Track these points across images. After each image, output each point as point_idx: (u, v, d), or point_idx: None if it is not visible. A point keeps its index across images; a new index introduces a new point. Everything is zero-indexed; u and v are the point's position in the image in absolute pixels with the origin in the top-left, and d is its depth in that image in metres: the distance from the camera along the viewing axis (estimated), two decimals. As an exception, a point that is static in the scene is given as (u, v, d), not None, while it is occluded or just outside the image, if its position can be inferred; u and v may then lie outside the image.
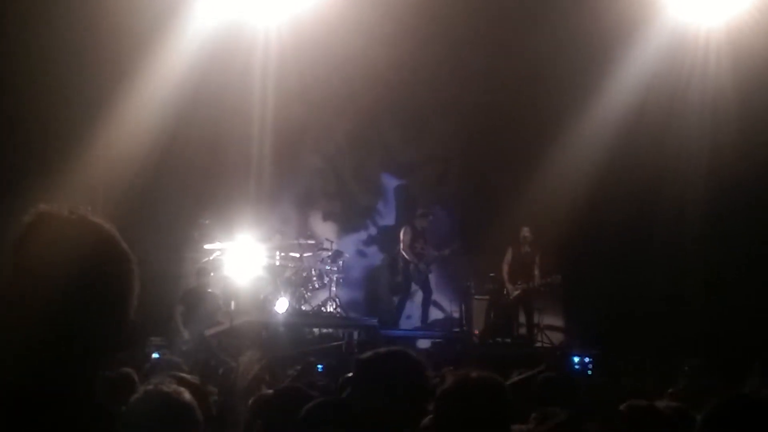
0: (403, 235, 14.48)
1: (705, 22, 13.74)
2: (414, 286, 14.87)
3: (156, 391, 2.90)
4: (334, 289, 14.26)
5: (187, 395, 2.89)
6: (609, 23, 13.19)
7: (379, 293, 15.96)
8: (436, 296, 15.62)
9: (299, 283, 13.90)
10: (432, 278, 14.86)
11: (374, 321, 14.33)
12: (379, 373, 3.33)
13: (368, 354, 3.44)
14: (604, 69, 14.11)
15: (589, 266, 14.17)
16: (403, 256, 14.47)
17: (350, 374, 5.83)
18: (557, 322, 14.80)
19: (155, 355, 9.77)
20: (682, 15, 13.71)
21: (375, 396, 3.28)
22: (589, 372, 12.80)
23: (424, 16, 14.13)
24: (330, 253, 14.41)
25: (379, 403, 3.26)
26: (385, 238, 16.29)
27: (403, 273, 14.62)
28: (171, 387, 2.95)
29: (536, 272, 13.72)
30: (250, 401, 4.57)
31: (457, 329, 14.59)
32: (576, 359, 12.98)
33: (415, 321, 15.29)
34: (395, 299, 15.41)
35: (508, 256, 13.93)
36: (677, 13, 13.69)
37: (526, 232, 13.77)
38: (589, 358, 12.95)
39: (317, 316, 13.88)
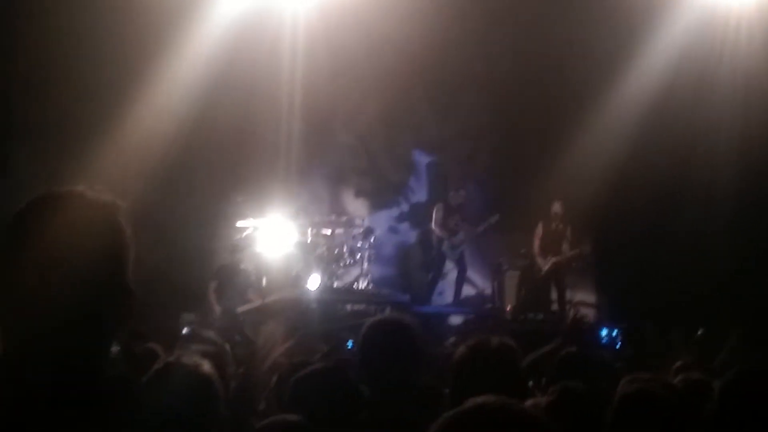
0: (436, 212, 14.48)
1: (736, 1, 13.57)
2: (447, 264, 14.88)
3: (176, 363, 2.93)
4: (365, 265, 14.31)
5: (206, 367, 2.91)
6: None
7: (411, 270, 15.97)
8: (468, 273, 15.61)
9: (331, 260, 13.95)
10: (466, 255, 14.85)
11: (406, 297, 14.36)
12: (376, 337, 3.59)
13: (369, 321, 3.70)
14: (635, 44, 13.97)
15: (620, 241, 14.08)
16: (436, 232, 14.47)
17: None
18: (589, 298, 14.74)
19: (185, 330, 9.87)
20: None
21: (372, 357, 3.55)
22: (618, 345, 12.77)
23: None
24: (361, 230, 14.45)
25: (376, 363, 3.51)
26: (417, 215, 16.27)
27: (437, 250, 14.63)
28: (191, 359, 2.97)
29: (566, 246, 13.68)
30: (274, 377, 4.59)
31: (489, 305, 14.59)
32: (604, 332, 12.95)
33: (447, 298, 15.29)
34: (428, 276, 15.43)
35: (539, 230, 13.90)
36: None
37: (557, 207, 13.72)
38: (618, 330, 12.92)
39: (349, 293, 13.94)
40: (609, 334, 12.91)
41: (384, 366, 3.49)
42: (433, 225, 14.48)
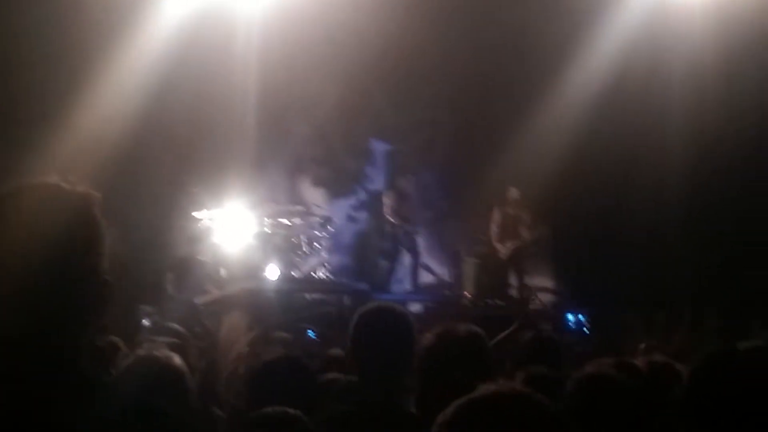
0: (388, 200, 14.54)
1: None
2: (402, 250, 14.91)
3: (146, 357, 2.90)
4: (324, 254, 14.29)
5: (177, 360, 2.89)
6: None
7: (369, 258, 15.96)
8: (426, 260, 15.66)
9: (289, 250, 13.91)
10: (421, 241, 14.87)
11: (365, 286, 14.35)
12: (372, 323, 3.45)
13: (362, 308, 3.56)
14: (587, 32, 14.10)
15: (577, 226, 14.20)
16: (389, 220, 14.51)
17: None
18: (548, 283, 14.85)
19: (145, 322, 9.75)
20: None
21: (368, 345, 3.41)
22: (586, 330, 12.92)
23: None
24: (319, 219, 14.40)
25: (371, 351, 3.38)
26: (375, 203, 16.27)
27: (391, 237, 14.66)
28: (162, 352, 2.94)
29: (524, 231, 13.78)
30: (240, 368, 4.55)
31: (448, 292, 14.64)
32: (570, 318, 13.09)
33: (407, 285, 15.34)
34: (386, 264, 15.44)
35: (496, 216, 13.98)
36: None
37: (513, 193, 13.83)
38: (584, 316, 13.06)
39: (308, 282, 13.91)
40: (576, 320, 13.04)
41: (383, 357, 3.37)
42: (386, 212, 14.53)
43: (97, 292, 1.85)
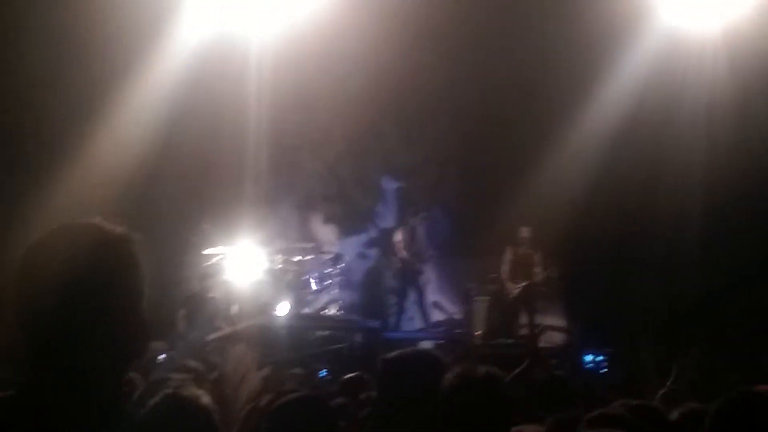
0: (396, 237, 14.56)
1: (702, 25, 13.78)
2: (413, 288, 14.91)
3: (174, 396, 2.89)
4: (335, 291, 14.26)
5: (205, 399, 2.89)
6: (605, 25, 13.23)
7: (380, 295, 15.94)
8: (437, 298, 15.63)
9: (300, 287, 13.88)
10: (430, 279, 14.86)
11: (376, 323, 14.32)
12: (404, 372, 3.42)
13: (395, 353, 3.53)
14: (601, 70, 14.14)
15: (589, 265, 14.16)
16: (402, 256, 14.52)
17: (350, 375, 5.84)
18: (559, 322, 14.78)
19: (161, 356, 9.73)
20: (678, 18, 13.75)
21: (399, 394, 3.35)
22: (603, 371, 12.84)
23: (419, 19, 14.17)
24: (331, 256, 14.41)
25: (402, 401, 3.33)
26: (386, 241, 16.28)
27: (401, 274, 14.69)
28: (189, 391, 2.94)
29: (537, 270, 13.75)
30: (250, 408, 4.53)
31: (459, 331, 14.58)
32: (588, 358, 13.01)
33: (418, 323, 15.31)
34: (395, 301, 15.44)
35: (508, 255, 13.95)
36: (674, 16, 13.72)
37: (525, 232, 13.80)
38: (603, 356, 12.98)
39: (319, 319, 13.87)
40: (594, 360, 12.97)
41: (414, 404, 3.33)
42: (395, 249, 14.51)
43: (137, 332, 1.87)
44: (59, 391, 1.77)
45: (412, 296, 15.19)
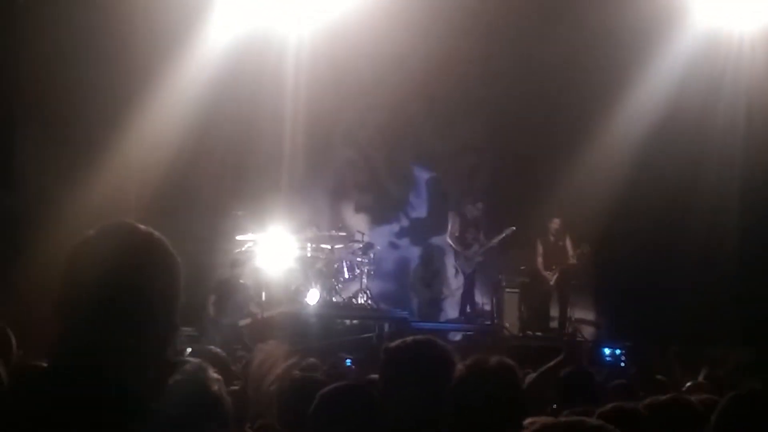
0: (451, 224, 14.43)
1: (740, 23, 13.63)
2: (450, 279, 14.86)
3: (184, 381, 2.90)
4: (365, 280, 14.28)
5: (215, 387, 2.88)
6: (642, 18, 13.11)
7: (411, 285, 15.95)
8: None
9: (330, 275, 13.92)
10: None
11: (405, 313, 14.35)
12: (407, 361, 3.33)
13: (396, 342, 3.43)
14: (638, 61, 13.99)
15: (621, 259, 14.06)
16: (449, 243, 14.43)
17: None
18: (589, 315, 14.71)
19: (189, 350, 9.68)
20: (716, 17, 13.62)
21: (402, 384, 3.28)
22: (622, 364, 12.77)
23: (454, 8, 14.10)
24: (361, 245, 14.42)
25: (406, 391, 3.25)
26: (417, 230, 16.27)
27: (456, 261, 14.53)
28: (200, 377, 2.94)
29: (570, 254, 13.69)
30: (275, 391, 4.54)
31: (488, 322, 14.56)
32: (607, 351, 12.95)
33: (447, 314, 15.30)
34: (427, 292, 15.44)
35: (539, 248, 13.88)
36: (711, 14, 13.61)
37: (556, 223, 13.75)
38: (621, 349, 12.91)
39: (348, 308, 13.91)
40: (612, 353, 12.91)
41: (416, 395, 3.25)
42: (447, 237, 14.39)
43: (166, 336, 1.91)
44: (81, 378, 1.81)
45: (444, 287, 15.18)
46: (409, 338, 3.44)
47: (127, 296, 1.84)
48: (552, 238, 13.84)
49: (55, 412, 1.77)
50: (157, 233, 1.94)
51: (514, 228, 14.05)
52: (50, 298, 1.89)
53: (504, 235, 14.13)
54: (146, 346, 1.86)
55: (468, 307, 14.70)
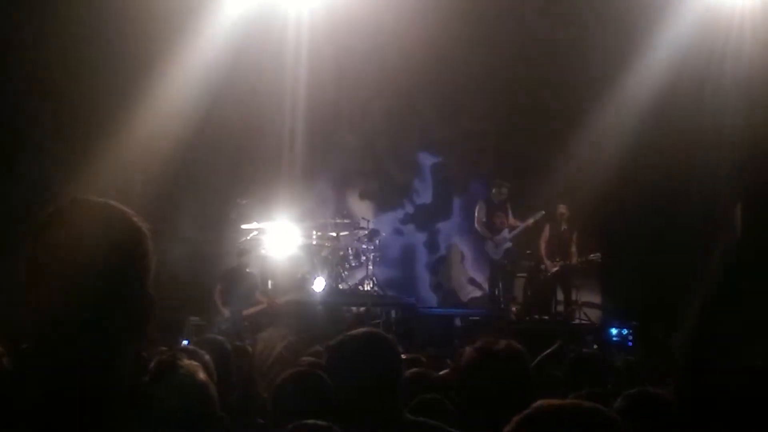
0: (478, 210, 14.33)
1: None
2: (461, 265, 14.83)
3: (164, 364, 2.89)
4: (371, 267, 14.30)
5: (201, 374, 2.88)
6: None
7: (416, 272, 15.97)
8: (472, 273, 15.62)
9: (336, 262, 13.94)
10: (469, 254, 14.77)
11: (412, 299, 14.37)
12: (348, 355, 3.29)
13: (337, 339, 3.40)
14: (637, 43, 13.94)
15: (626, 242, 14.04)
16: (478, 230, 14.34)
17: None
18: (595, 299, 14.72)
19: (185, 342, 9.57)
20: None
21: (345, 378, 3.25)
22: (630, 344, 12.81)
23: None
24: (367, 232, 14.43)
25: (349, 384, 3.22)
26: (422, 216, 16.28)
27: (485, 248, 14.40)
28: (183, 363, 2.93)
29: (573, 249, 13.66)
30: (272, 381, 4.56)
31: (494, 307, 14.58)
32: (614, 331, 12.99)
33: (452, 299, 15.33)
34: (433, 278, 15.46)
35: (546, 233, 13.87)
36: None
37: (562, 208, 13.70)
38: (627, 330, 12.94)
39: (354, 295, 13.93)
40: (619, 333, 12.95)
41: (360, 386, 3.20)
42: (475, 223, 14.34)
43: (141, 307, 1.90)
44: (60, 364, 1.80)
45: (451, 273, 15.18)
46: (348, 333, 3.39)
47: (94, 272, 1.83)
48: (560, 225, 13.76)
49: (42, 396, 1.78)
50: (124, 207, 1.94)
51: (543, 212, 13.86)
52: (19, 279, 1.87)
53: (533, 219, 13.94)
54: (122, 320, 1.86)
55: (497, 291, 14.45)
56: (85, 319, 1.82)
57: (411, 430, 3.22)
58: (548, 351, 6.08)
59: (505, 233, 14.13)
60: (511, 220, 14.19)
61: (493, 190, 14.28)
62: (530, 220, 13.98)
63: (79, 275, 1.82)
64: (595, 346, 11.71)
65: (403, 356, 5.37)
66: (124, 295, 1.87)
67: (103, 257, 1.84)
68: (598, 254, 13.54)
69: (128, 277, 1.88)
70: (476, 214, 14.34)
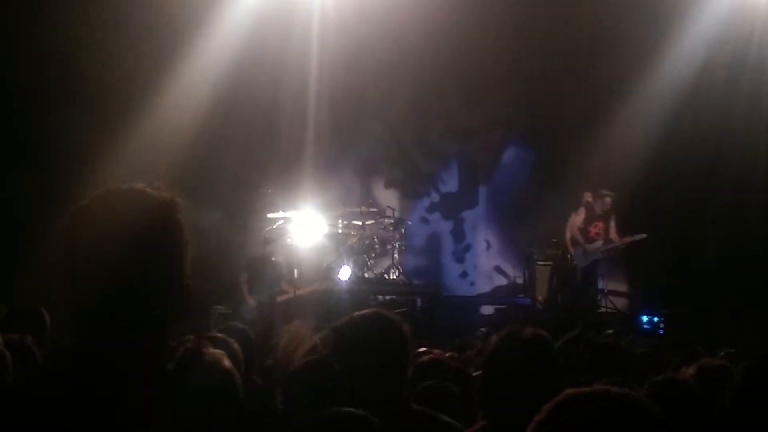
0: (576, 215, 13.73)
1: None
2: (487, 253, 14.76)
3: (191, 352, 2.89)
4: (396, 256, 14.29)
5: (226, 362, 2.89)
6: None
7: (442, 260, 15.96)
8: (498, 262, 15.58)
9: (362, 251, 13.93)
10: (494, 243, 14.68)
11: (437, 288, 14.35)
12: (355, 336, 3.29)
13: (344, 319, 3.40)
14: (666, 31, 13.83)
15: (653, 229, 13.92)
16: (567, 235, 13.82)
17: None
18: (621, 287, 14.63)
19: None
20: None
21: (353, 360, 3.24)
22: (661, 331, 12.75)
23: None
24: (392, 221, 14.42)
25: (357, 365, 3.21)
26: (448, 205, 16.25)
27: (573, 251, 13.80)
28: (208, 351, 2.93)
29: (613, 233, 13.44)
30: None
31: (520, 295, 14.55)
32: (645, 319, 12.92)
33: (478, 288, 15.30)
34: (459, 266, 15.46)
35: (579, 218, 13.58)
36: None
37: (588, 197, 13.56)
38: (659, 317, 12.87)
39: (380, 284, 13.92)
40: (650, 320, 12.88)
41: (368, 367, 3.20)
42: (568, 226, 13.78)
43: (178, 297, 1.90)
44: (101, 354, 1.82)
45: (476, 261, 15.12)
46: (357, 314, 3.37)
47: (130, 260, 1.83)
48: (586, 213, 13.60)
49: (84, 392, 1.78)
50: (163, 194, 1.93)
51: (645, 236, 13.18)
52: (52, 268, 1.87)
53: (634, 239, 13.26)
54: (158, 309, 1.87)
55: (580, 302, 13.66)
56: (123, 309, 1.83)
57: (415, 421, 3.21)
58: (566, 338, 6.05)
59: (599, 244, 13.58)
60: (612, 234, 13.56)
61: (598, 199, 13.59)
62: (627, 240, 13.36)
63: (117, 264, 1.82)
64: (610, 332, 11.50)
65: (423, 349, 5.37)
66: (162, 283, 1.87)
67: (134, 246, 1.84)
68: (643, 234, 13.21)
69: (164, 266, 1.88)
70: (573, 217, 13.76)
